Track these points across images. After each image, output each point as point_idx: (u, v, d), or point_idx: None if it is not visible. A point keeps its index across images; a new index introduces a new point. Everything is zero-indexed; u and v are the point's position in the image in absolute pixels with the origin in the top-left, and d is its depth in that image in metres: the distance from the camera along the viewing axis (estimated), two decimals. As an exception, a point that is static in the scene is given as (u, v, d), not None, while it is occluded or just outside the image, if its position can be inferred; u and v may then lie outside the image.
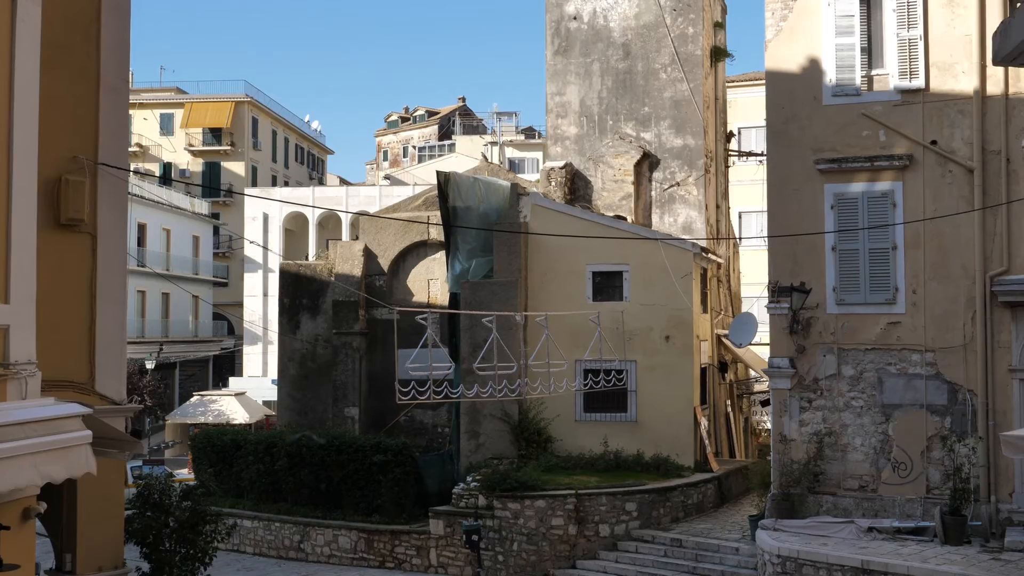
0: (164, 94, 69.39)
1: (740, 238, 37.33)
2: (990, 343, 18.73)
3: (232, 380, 52.45)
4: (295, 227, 57.00)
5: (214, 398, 43.60)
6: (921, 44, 19.42)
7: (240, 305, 56.64)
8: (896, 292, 19.47)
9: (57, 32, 10.02)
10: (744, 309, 32.08)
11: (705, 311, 27.35)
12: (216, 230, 62.18)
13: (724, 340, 28.65)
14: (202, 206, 59.56)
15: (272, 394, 39.98)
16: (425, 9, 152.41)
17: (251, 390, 46.57)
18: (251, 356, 55.88)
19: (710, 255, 28.25)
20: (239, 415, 40.94)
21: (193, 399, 44.26)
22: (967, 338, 18.99)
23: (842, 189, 19.84)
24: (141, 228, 51.22)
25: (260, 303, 55.07)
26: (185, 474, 30.71)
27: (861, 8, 19.98)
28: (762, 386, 31.15)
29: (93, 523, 11.48)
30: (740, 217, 39.70)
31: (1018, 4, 6.82)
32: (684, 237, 27.99)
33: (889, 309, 19.55)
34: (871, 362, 19.68)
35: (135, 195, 47.78)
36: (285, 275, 31.80)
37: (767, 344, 21.30)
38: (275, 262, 48.13)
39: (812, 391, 20.08)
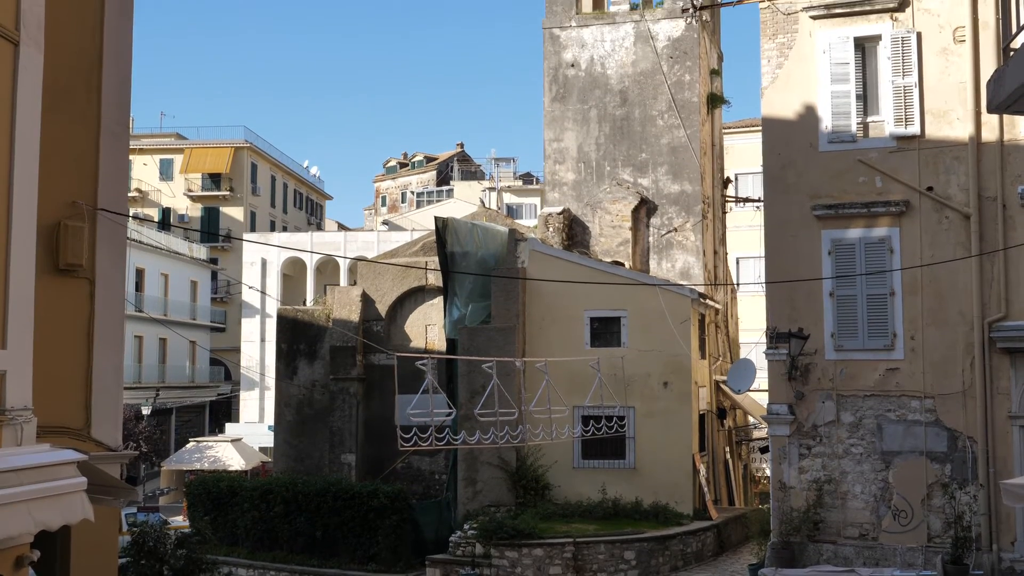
0: (164, 139, 69.70)
1: (738, 284, 37.36)
2: (989, 389, 18.70)
3: (228, 426, 52.22)
4: (293, 272, 57.03)
5: (210, 444, 43.37)
6: (916, 91, 19.56)
7: (237, 350, 56.52)
8: (894, 338, 19.45)
9: (59, 78, 10.07)
10: (742, 355, 32.03)
11: (703, 357, 27.31)
12: (214, 275, 62.20)
13: (723, 386, 28.58)
14: (200, 251, 59.62)
15: (269, 440, 39.79)
16: (424, 56, 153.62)
17: (247, 436, 46.36)
18: (248, 402, 55.69)
19: (708, 301, 28.25)
20: (235, 461, 40.71)
21: (189, 445, 44.03)
22: (966, 384, 18.95)
23: (839, 235, 19.89)
24: (139, 273, 51.23)
25: (258, 348, 54.95)
26: (180, 521, 30.49)
27: (856, 56, 20.14)
28: (761, 433, 31.05)
29: (87, 571, 11.37)
30: (738, 263, 39.76)
31: (1011, 52, 6.86)
32: (682, 283, 28.01)
33: (888, 355, 19.53)
34: (870, 408, 19.62)
35: (134, 240, 47.85)
36: (283, 320, 31.77)
37: (766, 390, 21.25)
38: (273, 307, 48.12)
39: (811, 438, 20.00)
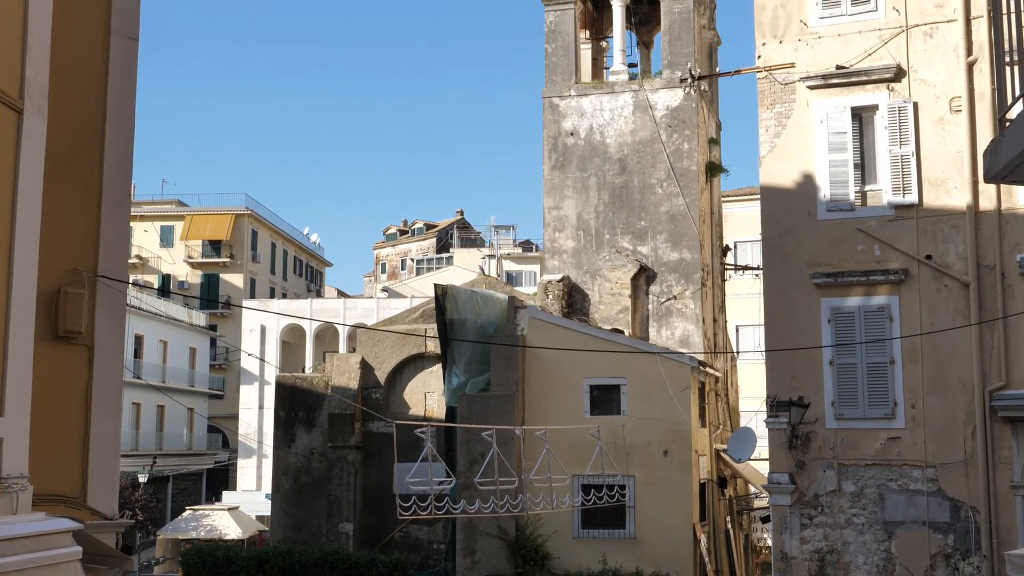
0: (165, 206, 70.10)
1: (738, 352, 37.31)
2: (991, 459, 18.58)
3: (225, 494, 51.83)
4: (292, 339, 56.98)
5: (207, 513, 43.02)
6: (913, 160, 19.69)
7: (235, 418, 56.30)
8: (895, 406, 19.38)
9: (61, 146, 10.14)
10: (743, 423, 31.90)
11: (704, 425, 27.19)
12: (213, 342, 62.14)
13: (723, 455, 28.42)
14: (200, 318, 59.64)
15: (266, 509, 39.46)
16: (424, 123, 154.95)
17: (244, 504, 45.99)
18: (245, 469, 55.33)
19: (708, 369, 28.19)
20: (232, 530, 40.34)
21: (185, 514, 43.67)
22: (968, 453, 18.84)
23: (839, 303, 19.90)
24: (138, 340, 51.19)
25: (256, 416, 54.73)
26: (175, 591, 30.13)
27: (853, 125, 20.31)
28: (762, 502, 30.80)
29: (80, 642, 11.21)
30: (737, 331, 39.75)
31: (1007, 123, 6.91)
32: (682, 351, 27.97)
33: (888, 424, 19.44)
34: (872, 478, 19.48)
35: (133, 307, 47.87)
36: (281, 387, 31.65)
37: (766, 459, 21.11)
38: (271, 374, 48.00)
39: (813, 507, 19.84)
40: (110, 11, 10.56)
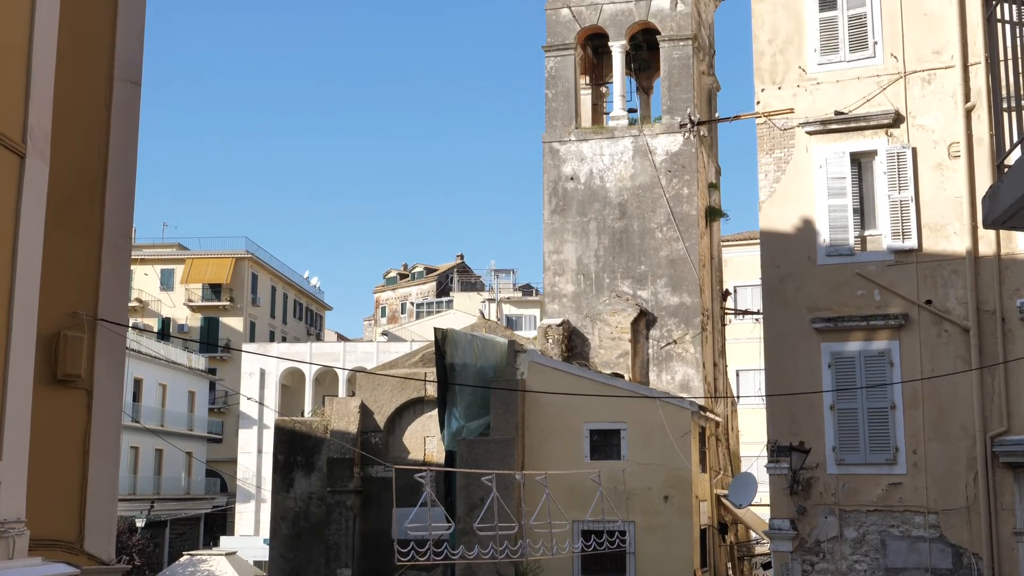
0: (166, 250, 70.23)
1: (738, 396, 37.21)
2: (993, 505, 18.47)
3: (223, 539, 51.45)
4: (292, 383, 56.86)
5: (204, 558, 42.63)
6: (913, 206, 19.74)
7: (234, 462, 56.03)
8: (896, 452, 19.29)
9: (63, 190, 10.17)
10: (743, 469, 31.74)
11: (704, 470, 27.06)
12: (212, 386, 62.01)
13: (724, 500, 28.26)
14: (199, 361, 59.55)
15: (264, 554, 39.17)
16: (424, 167, 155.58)
17: (242, 550, 45.62)
18: (243, 514, 54.99)
19: (708, 414, 28.10)
20: (229, 576, 39.97)
21: (183, 559, 43.27)
22: (970, 500, 18.73)
23: (839, 348, 19.88)
24: (137, 383, 51.09)
25: (254, 460, 54.50)
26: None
27: (852, 170, 20.38)
28: (763, 548, 30.58)
29: None
30: (738, 375, 39.67)
31: (1005, 169, 6.94)
32: (682, 395, 27.90)
33: (890, 469, 19.34)
34: (873, 524, 19.36)
35: (133, 350, 47.81)
36: (280, 432, 31.52)
37: (767, 505, 20.99)
38: (271, 418, 47.84)
39: (814, 554, 19.69)
40: (113, 56, 10.63)
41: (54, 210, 9.31)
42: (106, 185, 10.81)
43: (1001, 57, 7.22)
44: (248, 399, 51.38)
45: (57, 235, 9.87)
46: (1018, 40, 6.96)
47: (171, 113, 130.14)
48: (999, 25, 7.25)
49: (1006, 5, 7.19)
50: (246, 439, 55.36)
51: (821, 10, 20.86)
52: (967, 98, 19.53)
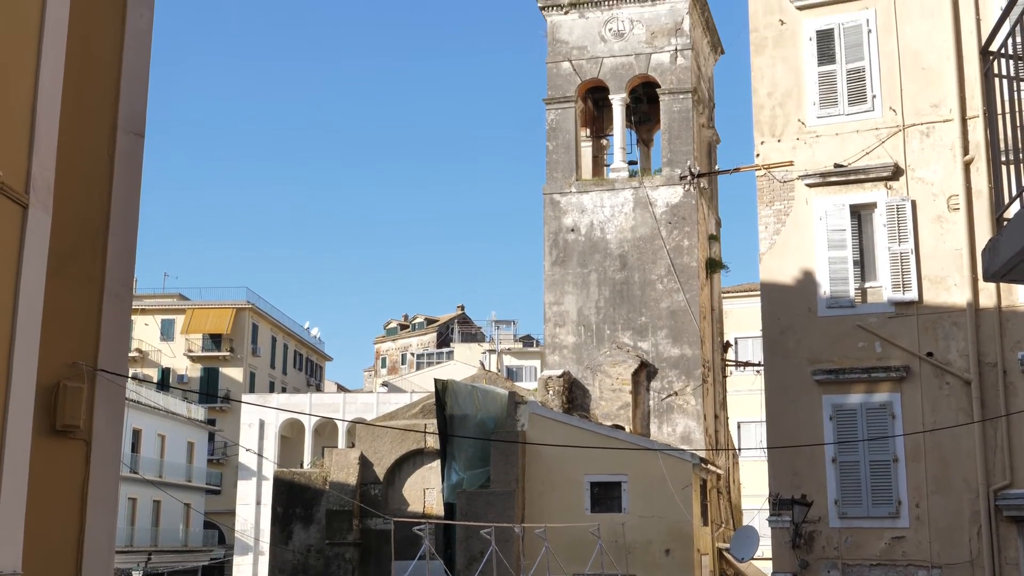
0: (166, 300, 70.30)
1: (739, 449, 37.05)
2: (997, 559, 18.31)
3: (220, 592, 51.05)
4: (291, 434, 56.65)
5: (201, 611, 42.30)
6: (913, 258, 19.78)
7: (232, 513, 55.67)
8: (899, 505, 19.17)
9: (65, 240, 10.19)
10: (745, 522, 31.51)
11: (705, 524, 26.86)
12: (211, 436, 61.77)
13: (726, 554, 28.02)
14: (199, 412, 59.38)
15: (261, 607, 38.81)
16: (425, 218, 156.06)
17: (240, 602, 45.23)
18: (241, 567, 54.52)
19: (709, 466, 27.96)
20: (226, 629, 39.62)
21: (180, 611, 42.96)
22: (973, 554, 18.57)
23: (840, 400, 19.82)
24: (136, 434, 50.91)
25: (253, 511, 54.14)
26: None
27: (852, 222, 20.44)
28: (765, 602, 30.28)
29: None
30: (739, 427, 39.51)
31: (1004, 222, 6.97)
32: (683, 448, 27.77)
33: (892, 523, 19.21)
34: (877, 578, 19.19)
35: (132, 400, 47.70)
36: (279, 483, 31.35)
37: (770, 559, 20.80)
38: (269, 469, 47.60)
39: (817, 608, 19.50)
40: (117, 108, 10.70)
41: (56, 260, 9.34)
42: (108, 236, 10.85)
43: (999, 111, 7.27)
44: (247, 450, 51.15)
45: (58, 285, 9.88)
46: (1015, 94, 7.01)
47: (173, 162, 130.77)
48: (996, 79, 7.31)
49: (1003, 60, 7.25)
50: (245, 491, 55.02)
51: (820, 64, 21.03)
52: (966, 151, 19.64)
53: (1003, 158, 7.15)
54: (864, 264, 20.30)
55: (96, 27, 10.29)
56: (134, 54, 10.75)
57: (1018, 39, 6.94)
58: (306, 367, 78.21)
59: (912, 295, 19.63)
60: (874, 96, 20.53)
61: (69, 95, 9.43)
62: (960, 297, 19.31)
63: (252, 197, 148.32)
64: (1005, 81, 7.22)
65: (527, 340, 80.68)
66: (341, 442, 52.29)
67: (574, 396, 30.14)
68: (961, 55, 19.84)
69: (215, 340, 66.12)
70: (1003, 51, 7.19)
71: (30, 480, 8.60)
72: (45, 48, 8.64)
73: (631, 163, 32.62)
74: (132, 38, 10.66)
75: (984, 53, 7.51)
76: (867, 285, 20.17)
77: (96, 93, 10.59)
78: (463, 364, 66.60)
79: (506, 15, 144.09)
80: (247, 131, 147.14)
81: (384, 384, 75.01)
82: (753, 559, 26.90)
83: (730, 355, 35.93)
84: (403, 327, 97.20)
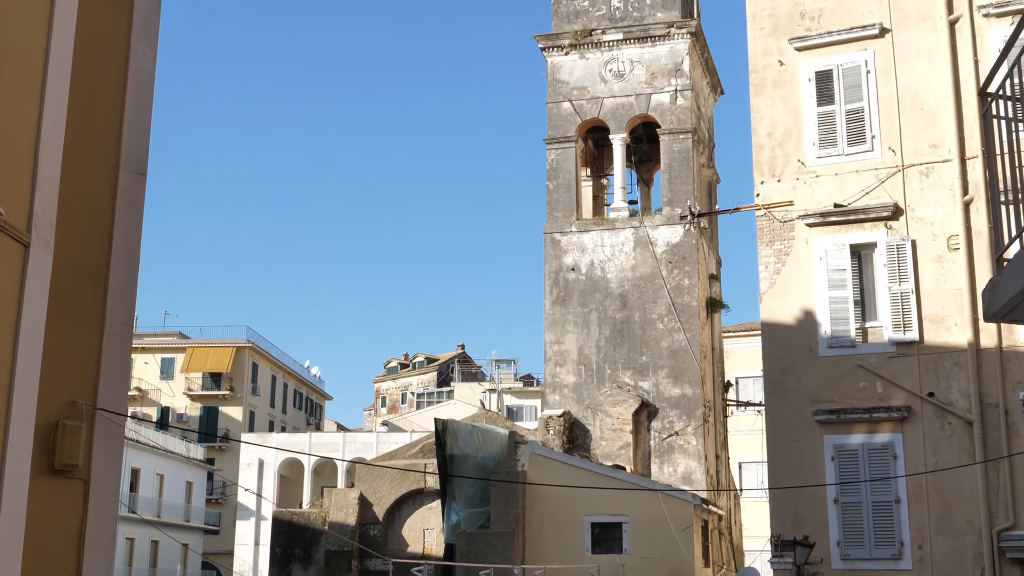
0: (167, 339, 70.22)
1: (741, 489, 36.87)
2: (1001, 601, 18.17)
3: (218, 633, 50.64)
4: (290, 473, 56.40)
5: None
6: (913, 297, 19.77)
7: (231, 554, 55.31)
8: (902, 547, 19.04)
9: (66, 279, 10.19)
10: (747, 563, 31.30)
11: (707, 565, 26.68)
12: (210, 476, 61.49)
13: (727, 595, 27.83)
14: (198, 451, 59.16)
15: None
16: (425, 257, 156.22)
17: (237, 644, 44.87)
18: (239, 607, 54.11)
19: (711, 507, 27.81)
20: (223, 671, 39.27)
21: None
22: (977, 596, 18.43)
23: (842, 440, 19.74)
24: (135, 473, 50.69)
25: (251, 552, 53.80)
26: None
27: (852, 262, 20.46)
28: (768, 645, 30.02)
29: None
30: (740, 468, 39.34)
31: (1004, 262, 6.97)
32: (684, 488, 27.64)
33: (895, 565, 19.06)
34: (880, 620, 19.03)
35: (131, 439, 47.54)
36: (278, 523, 31.19)
37: (771, 600, 20.65)
38: (269, 509, 47.35)
39: (820, 651, 19.31)
40: (120, 146, 10.74)
41: (56, 298, 9.33)
42: (109, 274, 10.85)
43: (997, 151, 7.30)
44: (246, 490, 50.91)
45: (58, 323, 9.87)
46: (1013, 135, 7.04)
47: (174, 200, 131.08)
48: (995, 120, 7.34)
49: (1001, 101, 7.28)
50: (243, 531, 54.71)
51: (819, 105, 21.14)
52: (965, 191, 19.69)
53: (1002, 198, 7.16)
54: (865, 304, 20.30)
55: (99, 66, 10.35)
56: (137, 93, 10.80)
57: (1016, 81, 6.98)
58: (306, 406, 78.00)
59: (913, 335, 19.61)
60: (873, 136, 20.62)
61: (72, 133, 9.47)
62: (961, 337, 19.28)
63: (253, 236, 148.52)
64: (1003, 122, 7.25)
65: (528, 379, 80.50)
66: (340, 482, 52.06)
67: (575, 436, 30.04)
68: (960, 96, 19.95)
69: (215, 379, 65.99)
70: (1001, 92, 7.22)
71: (27, 519, 8.54)
72: (49, 86, 8.68)
73: (631, 202, 32.71)
74: (135, 77, 10.71)
75: (982, 95, 7.55)
76: (868, 325, 20.15)
77: (99, 131, 10.63)
78: (463, 403, 66.43)
79: (507, 55, 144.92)
80: (248, 170, 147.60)
81: (384, 423, 74.77)
82: (755, 601, 26.70)
83: (731, 395, 35.84)
84: (403, 366, 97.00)
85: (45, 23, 8.75)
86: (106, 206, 10.91)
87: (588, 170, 34.04)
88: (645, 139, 33.22)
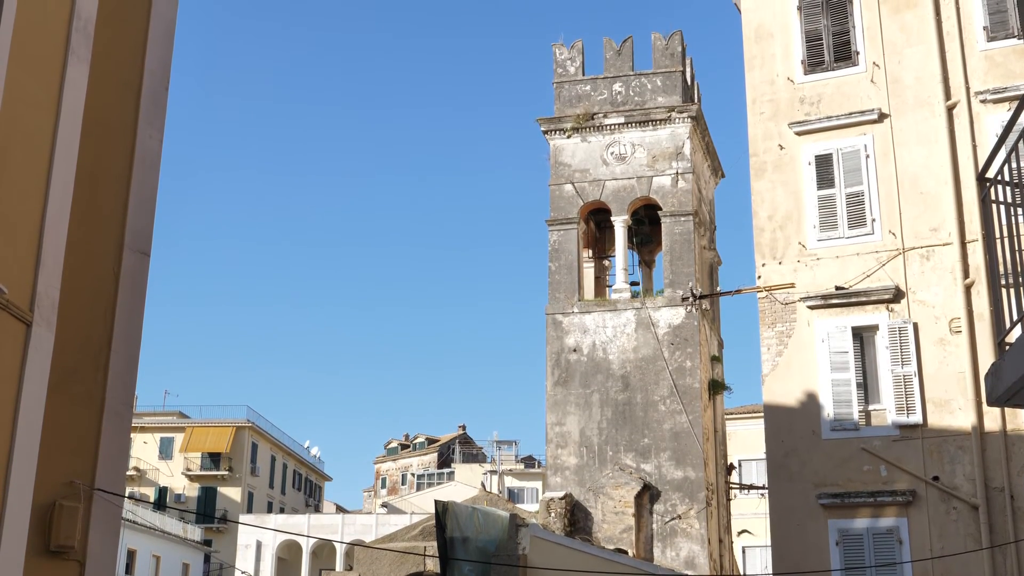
0: (166, 418, 69.89)
1: (745, 574, 36.39)
2: None
3: None
4: (288, 555, 55.74)
5: None
6: (916, 380, 19.71)
7: (226, 638, 54.49)
8: (908, 634, 18.74)
9: (66, 358, 10.18)
10: (751, 650, 30.80)
11: (710, 651, 26.24)
12: (207, 557, 60.75)
13: None
14: (195, 532, 58.55)
15: None
16: (426, 337, 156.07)
17: None
18: None
19: (714, 591, 27.43)
20: None
21: None
22: None
23: (846, 525, 19.54)
24: (131, 554, 50.10)
25: (247, 636, 52.95)
26: None
27: (855, 345, 20.44)
28: None
29: None
30: (744, 552, 38.87)
31: (1006, 346, 6.98)
32: (687, 573, 27.28)
33: (902, 652, 18.75)
34: None
35: (128, 520, 47.09)
36: (275, 606, 30.77)
37: None
38: (266, 592, 46.71)
39: None
40: (124, 226, 10.79)
41: (56, 377, 9.32)
42: (110, 354, 10.83)
43: (997, 235, 7.33)
44: (243, 573, 50.28)
45: (58, 402, 9.84)
46: (1013, 219, 7.08)
47: (175, 279, 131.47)
48: (994, 205, 7.39)
49: (1000, 186, 7.34)
50: (240, 614, 53.86)
51: (819, 188, 21.29)
52: (966, 274, 19.74)
53: (1003, 282, 7.19)
54: (867, 386, 20.23)
55: (106, 146, 10.45)
56: (143, 174, 10.89)
57: (1014, 165, 7.04)
58: (305, 487, 77.37)
59: (916, 418, 19.51)
60: (874, 220, 20.73)
61: (77, 212, 9.54)
62: (965, 420, 19.18)
63: (254, 315, 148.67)
64: (1002, 206, 7.30)
65: (529, 461, 79.97)
66: (339, 564, 51.43)
67: (576, 519, 29.73)
68: (959, 180, 20.10)
69: (214, 459, 65.54)
70: (1000, 177, 7.28)
71: (21, 602, 8.43)
72: (55, 167, 8.77)
73: (633, 284, 32.77)
74: (142, 157, 10.82)
75: (981, 179, 7.61)
76: (871, 407, 20.07)
77: (104, 211, 10.70)
78: (464, 485, 65.92)
79: (508, 138, 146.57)
80: (249, 250, 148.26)
81: (384, 505, 74.12)
82: None
83: (734, 478, 35.55)
84: (404, 447, 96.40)
85: (54, 104, 8.86)
86: (109, 286, 10.93)
87: (590, 251, 34.17)
88: (647, 221, 33.40)
